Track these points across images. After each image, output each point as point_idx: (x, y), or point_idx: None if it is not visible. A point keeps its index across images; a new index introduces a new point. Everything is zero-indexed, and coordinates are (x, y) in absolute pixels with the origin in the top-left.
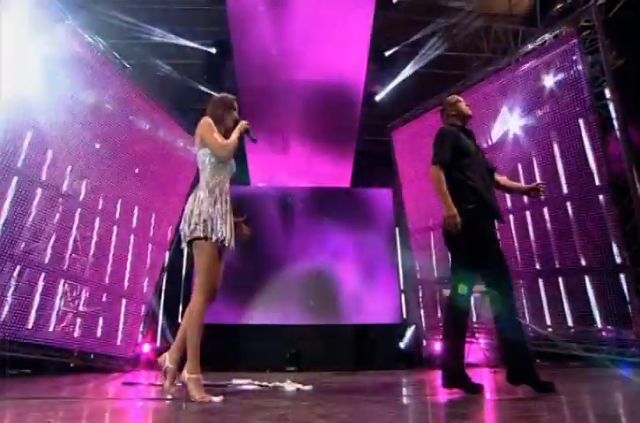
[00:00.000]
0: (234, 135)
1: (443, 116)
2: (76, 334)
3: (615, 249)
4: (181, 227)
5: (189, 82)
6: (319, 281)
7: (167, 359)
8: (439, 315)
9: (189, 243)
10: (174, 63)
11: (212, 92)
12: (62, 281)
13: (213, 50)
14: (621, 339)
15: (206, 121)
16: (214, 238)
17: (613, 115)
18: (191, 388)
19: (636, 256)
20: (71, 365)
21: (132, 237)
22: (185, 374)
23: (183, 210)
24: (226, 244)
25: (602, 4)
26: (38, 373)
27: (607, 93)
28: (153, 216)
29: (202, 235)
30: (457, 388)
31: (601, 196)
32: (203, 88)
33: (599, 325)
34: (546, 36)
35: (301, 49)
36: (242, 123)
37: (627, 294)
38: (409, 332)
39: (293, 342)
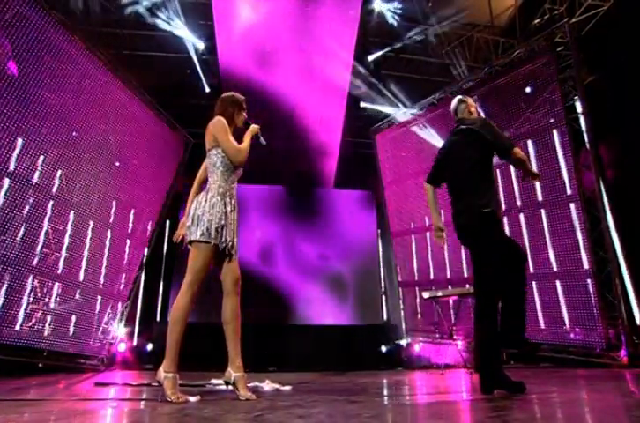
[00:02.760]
0: (247, 139)
1: (460, 107)
2: (45, 333)
3: (584, 255)
4: (186, 227)
5: (174, 75)
6: (300, 282)
7: (232, 371)
8: (419, 317)
9: (190, 242)
10: (160, 56)
11: (206, 86)
12: (30, 277)
13: (202, 45)
14: (588, 341)
15: (220, 121)
16: (221, 245)
17: (584, 127)
18: (166, 387)
19: (602, 262)
20: (40, 365)
21: (109, 232)
22: (161, 373)
23: (164, 205)
24: (233, 252)
25: (576, 22)
26: (2, 374)
27: (579, 107)
28: (132, 211)
29: (212, 242)
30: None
31: (572, 205)
32: (186, 81)
33: (568, 327)
34: (524, 50)
35: (287, 49)
36: (254, 127)
37: (593, 298)
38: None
39: (274, 342)
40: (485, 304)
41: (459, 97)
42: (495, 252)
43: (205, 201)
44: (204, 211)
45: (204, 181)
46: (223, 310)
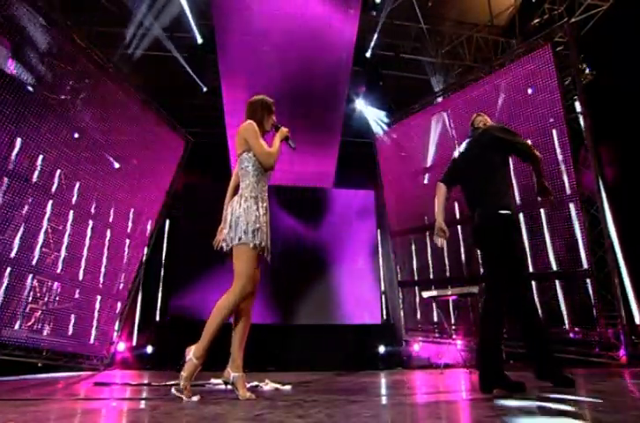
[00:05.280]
0: (277, 142)
1: (477, 119)
2: (45, 332)
3: (583, 255)
4: (225, 233)
5: (173, 74)
6: (300, 281)
7: (231, 371)
8: (418, 316)
9: (232, 247)
10: (158, 55)
11: (202, 85)
12: (29, 277)
13: (200, 40)
14: (587, 340)
15: (251, 125)
16: (259, 247)
17: (583, 127)
18: (184, 374)
19: (600, 262)
20: (39, 365)
21: (109, 232)
22: (191, 353)
23: (164, 205)
24: (266, 254)
25: (575, 22)
26: (1, 373)
27: (578, 107)
28: (132, 210)
29: (251, 244)
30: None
31: (572, 204)
32: (186, 81)
33: (568, 326)
34: (523, 49)
35: (286, 48)
36: (284, 130)
37: (592, 298)
38: None
39: (273, 342)
40: (494, 305)
41: (478, 112)
42: (509, 255)
43: (239, 205)
44: (240, 215)
45: (238, 185)
46: (237, 309)
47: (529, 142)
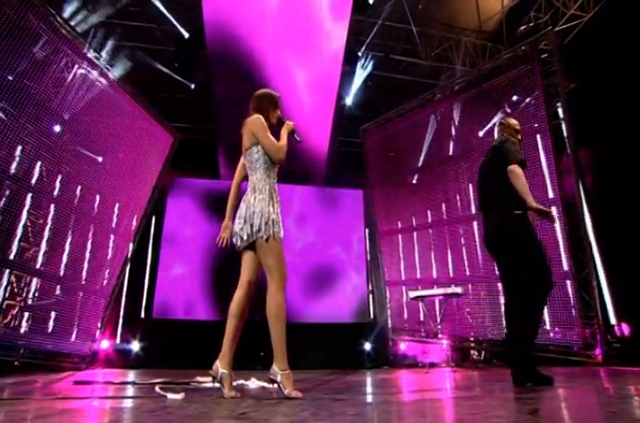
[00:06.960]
0: (285, 136)
1: (497, 129)
2: (23, 330)
3: (564, 257)
4: (239, 229)
5: (160, 68)
6: (289, 279)
7: (219, 366)
8: (405, 316)
9: (253, 243)
10: (145, 48)
11: (185, 81)
12: (6, 271)
13: (186, 35)
14: (566, 340)
15: (259, 119)
16: (280, 236)
17: (565, 133)
18: (285, 384)
19: (580, 264)
20: (16, 364)
21: (92, 227)
22: (277, 372)
23: (150, 200)
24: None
25: (559, 31)
26: None
27: (561, 113)
28: (117, 205)
29: (268, 235)
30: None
31: (554, 208)
32: (174, 76)
33: (548, 327)
34: (509, 55)
35: (277, 46)
36: (290, 124)
37: (571, 299)
38: None
39: (260, 340)
40: (517, 303)
41: (500, 120)
42: (528, 257)
43: (254, 198)
44: (257, 210)
45: (243, 180)
46: (235, 304)
47: (515, 164)
